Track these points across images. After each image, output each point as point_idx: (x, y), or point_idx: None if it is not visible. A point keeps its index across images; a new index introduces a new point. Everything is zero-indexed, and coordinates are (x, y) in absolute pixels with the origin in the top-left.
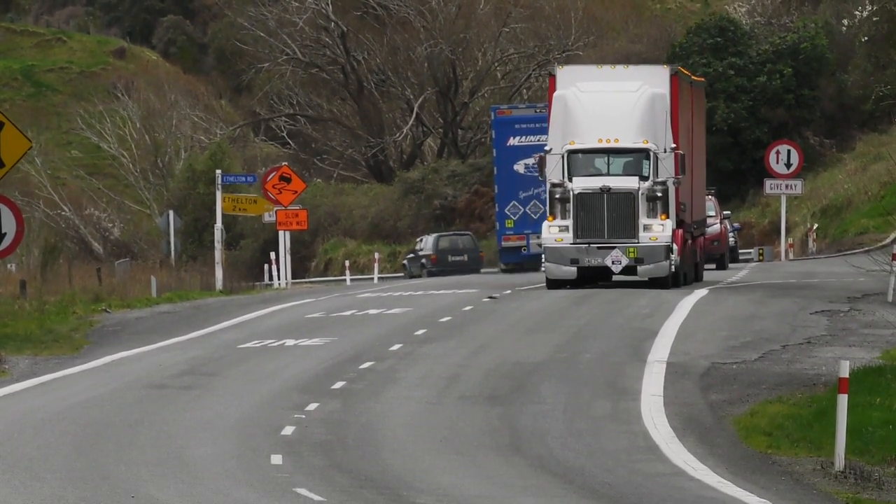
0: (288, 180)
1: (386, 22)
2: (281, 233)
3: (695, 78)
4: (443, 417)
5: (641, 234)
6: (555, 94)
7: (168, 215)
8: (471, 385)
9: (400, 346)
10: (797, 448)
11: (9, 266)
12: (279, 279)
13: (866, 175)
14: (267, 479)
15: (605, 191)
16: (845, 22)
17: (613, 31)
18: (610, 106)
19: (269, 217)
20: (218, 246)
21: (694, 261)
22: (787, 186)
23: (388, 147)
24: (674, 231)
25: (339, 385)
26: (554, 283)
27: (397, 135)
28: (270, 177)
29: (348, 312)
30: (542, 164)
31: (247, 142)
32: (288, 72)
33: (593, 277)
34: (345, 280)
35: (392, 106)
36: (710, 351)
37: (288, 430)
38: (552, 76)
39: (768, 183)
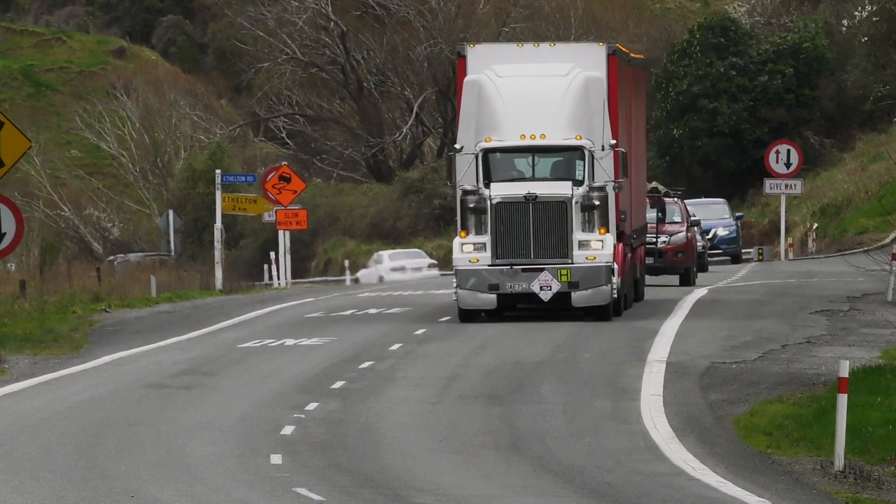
0: (287, 180)
1: (386, 21)
2: (280, 232)
3: (633, 55)
4: (442, 417)
5: (576, 252)
6: (466, 80)
7: (168, 215)
8: (470, 385)
9: (399, 345)
10: (797, 448)
11: (8, 266)
12: (279, 279)
13: (866, 175)
14: (266, 478)
15: (531, 199)
16: (845, 22)
17: (613, 30)
18: (534, 94)
19: (268, 217)
20: (218, 246)
21: (633, 277)
22: (786, 186)
23: (388, 147)
24: (615, 247)
25: (338, 385)
26: (468, 315)
27: (397, 135)
28: (270, 177)
29: (348, 312)
30: (450, 166)
31: (246, 141)
32: (287, 71)
33: (516, 304)
34: (344, 280)
35: (392, 106)
36: (709, 350)
37: (287, 430)
38: (461, 57)
39: (768, 182)
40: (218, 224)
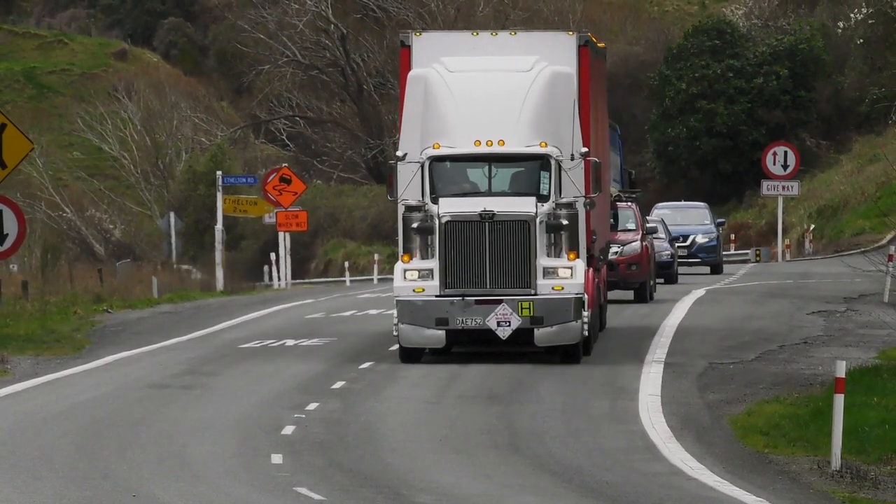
0: (288, 182)
1: (385, 24)
2: (281, 234)
3: (599, 44)
4: (442, 417)
5: (540, 281)
6: (410, 75)
7: (169, 217)
8: (470, 385)
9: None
10: (794, 447)
11: (11, 267)
12: (279, 280)
13: (862, 176)
14: (267, 478)
15: (488, 218)
16: (841, 24)
17: (611, 33)
18: (491, 92)
19: (269, 218)
20: (218, 247)
21: (599, 304)
22: (783, 188)
23: (388, 148)
24: (586, 274)
25: (338, 385)
26: (410, 354)
27: (397, 136)
28: (270, 178)
29: (348, 313)
30: (391, 177)
31: (247, 144)
32: (288, 74)
33: (469, 343)
34: (345, 281)
35: (391, 108)
36: (707, 351)
37: (288, 430)
38: (405, 48)
39: (765, 184)
40: (219, 225)
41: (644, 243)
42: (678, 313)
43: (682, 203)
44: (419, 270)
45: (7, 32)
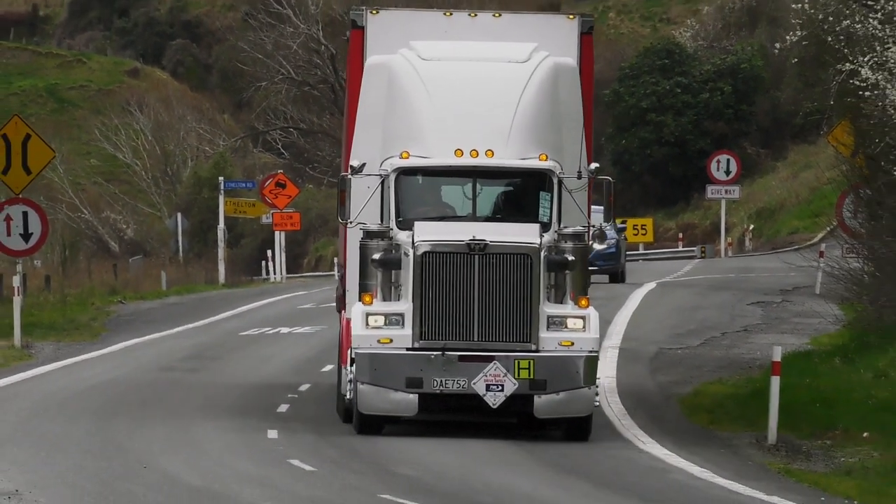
0: (283, 186)
1: None
2: (277, 233)
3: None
4: None
5: (544, 334)
6: (369, 63)
7: (177, 217)
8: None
9: None
10: (735, 424)
11: (35, 262)
12: (275, 274)
13: (797, 181)
14: (264, 451)
15: (478, 249)
16: (778, 45)
17: None
18: (479, 88)
19: (266, 219)
20: (221, 244)
21: None
22: (726, 191)
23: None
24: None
25: (328, 368)
26: (370, 423)
27: (345, 144)
28: (267, 183)
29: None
30: (342, 193)
31: (246, 152)
32: (283, 90)
33: (449, 409)
34: (333, 275)
35: None
36: (658, 337)
37: (283, 408)
38: (357, 29)
39: (710, 188)
40: (221, 225)
41: None
42: (631, 305)
43: None
44: (386, 315)
45: (31, 52)
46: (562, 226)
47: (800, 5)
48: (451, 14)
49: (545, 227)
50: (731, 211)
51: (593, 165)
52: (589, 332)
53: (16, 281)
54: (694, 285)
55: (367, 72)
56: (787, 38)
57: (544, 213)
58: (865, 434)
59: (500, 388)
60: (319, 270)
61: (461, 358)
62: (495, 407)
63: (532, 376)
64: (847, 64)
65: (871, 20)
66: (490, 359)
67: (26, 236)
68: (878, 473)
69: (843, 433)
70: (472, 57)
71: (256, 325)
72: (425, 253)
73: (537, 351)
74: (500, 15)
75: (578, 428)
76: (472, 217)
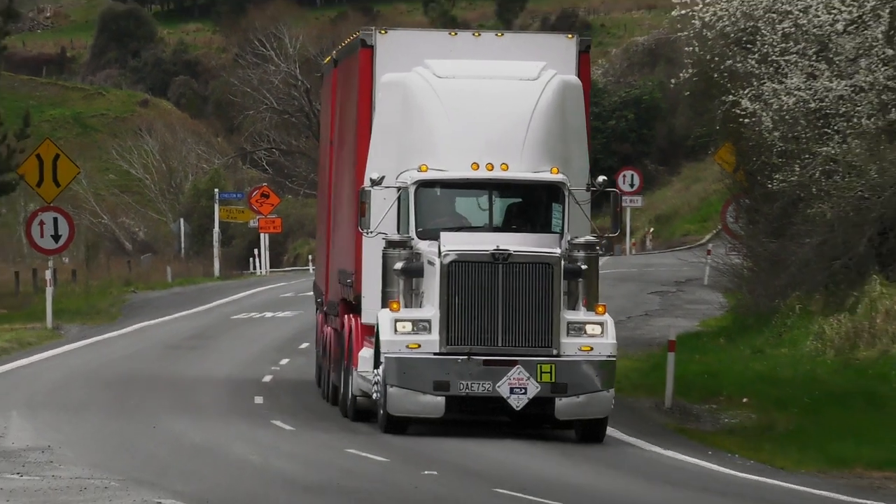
0: (267, 196)
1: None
2: (262, 234)
3: None
4: None
5: (564, 339)
6: (384, 81)
7: (179, 222)
8: None
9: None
10: (638, 391)
11: (63, 259)
12: (261, 269)
13: (689, 192)
14: (252, 413)
15: (502, 259)
16: (673, 80)
17: None
18: (493, 104)
19: (253, 223)
20: (216, 244)
21: None
22: (631, 201)
23: None
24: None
25: (304, 346)
26: (398, 424)
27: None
28: (254, 194)
29: (311, 293)
30: (363, 204)
31: (237, 168)
32: (267, 117)
33: (474, 411)
34: (308, 269)
35: None
36: None
37: (267, 378)
38: (367, 48)
39: None
40: (216, 228)
41: None
42: None
43: None
44: (413, 321)
45: (60, 87)
46: (576, 236)
47: (691, 48)
48: (455, 34)
49: (560, 238)
50: (635, 216)
51: (601, 178)
52: (607, 337)
53: (48, 274)
54: (604, 278)
55: (382, 88)
56: (681, 74)
57: (556, 224)
58: (745, 399)
59: (523, 391)
60: (297, 265)
61: (486, 362)
62: (518, 409)
63: (553, 380)
64: (730, 96)
65: (749, 60)
66: (514, 363)
67: (56, 238)
68: (755, 432)
69: (727, 399)
70: (485, 75)
71: (246, 311)
72: (452, 262)
73: (558, 356)
74: (502, 35)
75: (594, 429)
76: (490, 227)
